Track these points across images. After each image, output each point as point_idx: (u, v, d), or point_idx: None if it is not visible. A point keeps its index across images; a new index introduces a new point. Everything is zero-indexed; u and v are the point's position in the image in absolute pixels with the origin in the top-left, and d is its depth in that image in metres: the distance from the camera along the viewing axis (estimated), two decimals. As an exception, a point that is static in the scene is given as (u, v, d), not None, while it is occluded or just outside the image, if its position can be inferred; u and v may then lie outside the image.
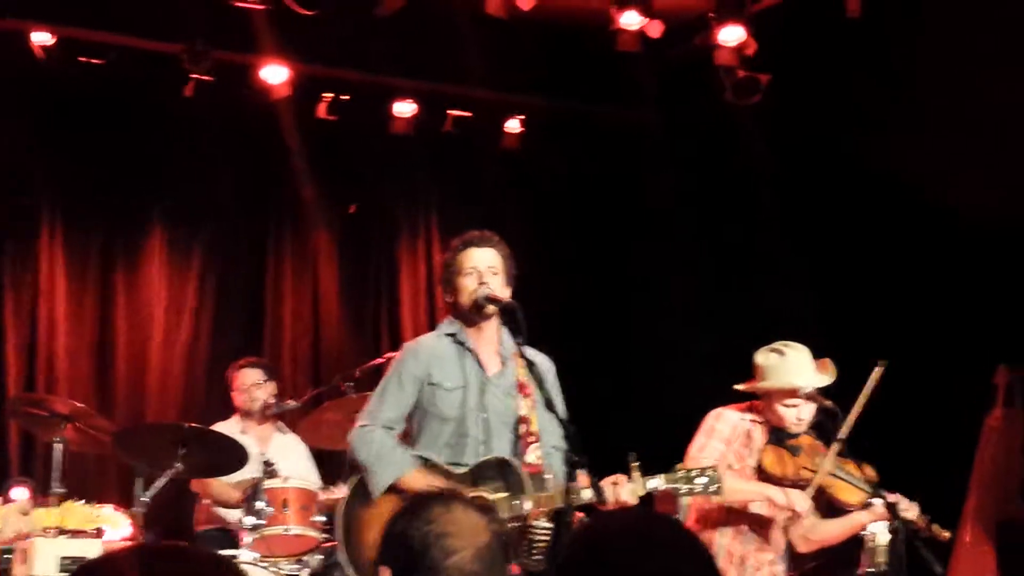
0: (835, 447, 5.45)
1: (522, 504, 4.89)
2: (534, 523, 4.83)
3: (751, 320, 8.29)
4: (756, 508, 5.55)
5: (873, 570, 5.33)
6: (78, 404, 6.93)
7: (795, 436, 5.57)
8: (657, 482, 4.93)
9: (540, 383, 4.88)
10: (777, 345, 5.58)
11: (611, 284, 9.98)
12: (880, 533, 5.37)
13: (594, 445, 4.64)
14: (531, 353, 5.15)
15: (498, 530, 2.74)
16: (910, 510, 5.41)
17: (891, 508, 5.24)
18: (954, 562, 7.88)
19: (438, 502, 2.76)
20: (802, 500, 5.42)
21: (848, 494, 5.52)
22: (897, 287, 8.50)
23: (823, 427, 5.57)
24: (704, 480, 4.95)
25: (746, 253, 9.42)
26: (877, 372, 5.49)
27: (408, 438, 5.17)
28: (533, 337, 5.00)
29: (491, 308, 5.08)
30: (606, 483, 4.74)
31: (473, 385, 5.11)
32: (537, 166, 9.92)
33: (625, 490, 4.77)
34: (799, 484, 5.47)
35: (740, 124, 9.18)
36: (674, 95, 9.46)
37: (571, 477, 4.47)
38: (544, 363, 5.24)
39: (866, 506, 5.50)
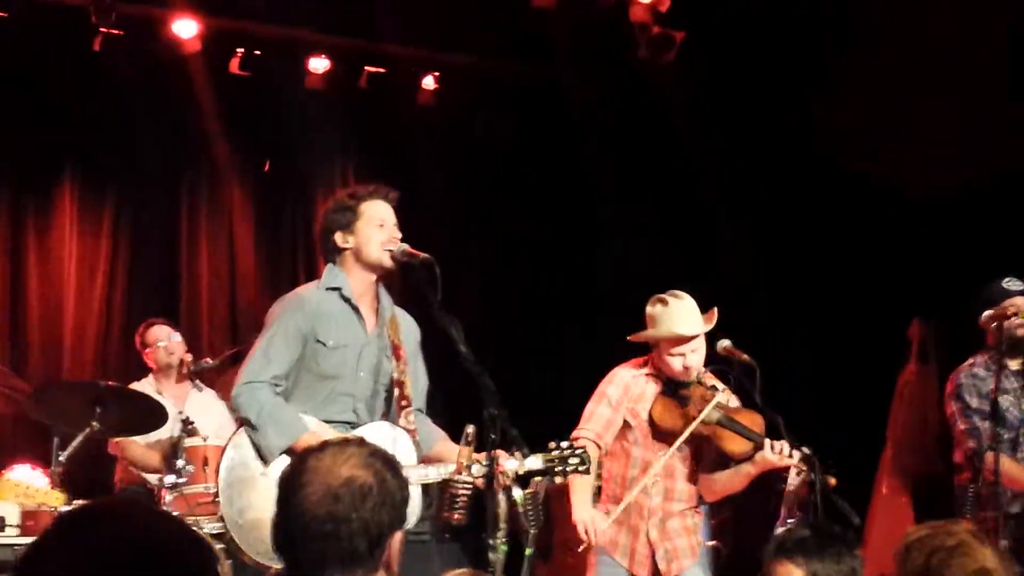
0: (716, 399, 5.52)
1: (429, 473, 4.89)
2: (456, 477, 4.81)
3: (674, 272, 8.36)
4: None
5: (792, 521, 5.41)
6: (-8, 363, 6.84)
7: (687, 386, 5.62)
8: (535, 462, 4.95)
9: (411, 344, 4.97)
10: (663, 295, 5.63)
11: (527, 239, 9.99)
12: (799, 488, 5.45)
13: (517, 406, 4.64)
14: (400, 315, 5.15)
15: (377, 471, 2.65)
16: (794, 456, 5.44)
17: (808, 461, 5.31)
18: (871, 514, 8.02)
19: (317, 448, 2.71)
20: (600, 528, 5.45)
21: (733, 444, 5.55)
22: (813, 243, 8.61)
23: (738, 381, 5.62)
24: (575, 460, 5.01)
25: (668, 207, 9.49)
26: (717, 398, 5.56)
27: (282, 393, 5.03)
28: (445, 297, 4.80)
29: (397, 264, 4.98)
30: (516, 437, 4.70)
31: (355, 344, 5.03)
32: (453, 123, 9.89)
33: (507, 468, 4.76)
34: (690, 435, 5.53)
35: (656, 81, 9.22)
36: (591, 52, 9.47)
37: (491, 431, 4.47)
38: (412, 326, 5.22)
39: (751, 456, 5.53)
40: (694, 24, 8.94)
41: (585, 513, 5.48)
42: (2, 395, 6.73)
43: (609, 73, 9.55)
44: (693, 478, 5.72)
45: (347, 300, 5.04)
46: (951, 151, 7.75)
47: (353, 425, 4.97)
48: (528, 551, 5.25)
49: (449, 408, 5.44)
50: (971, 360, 6.38)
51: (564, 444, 5.11)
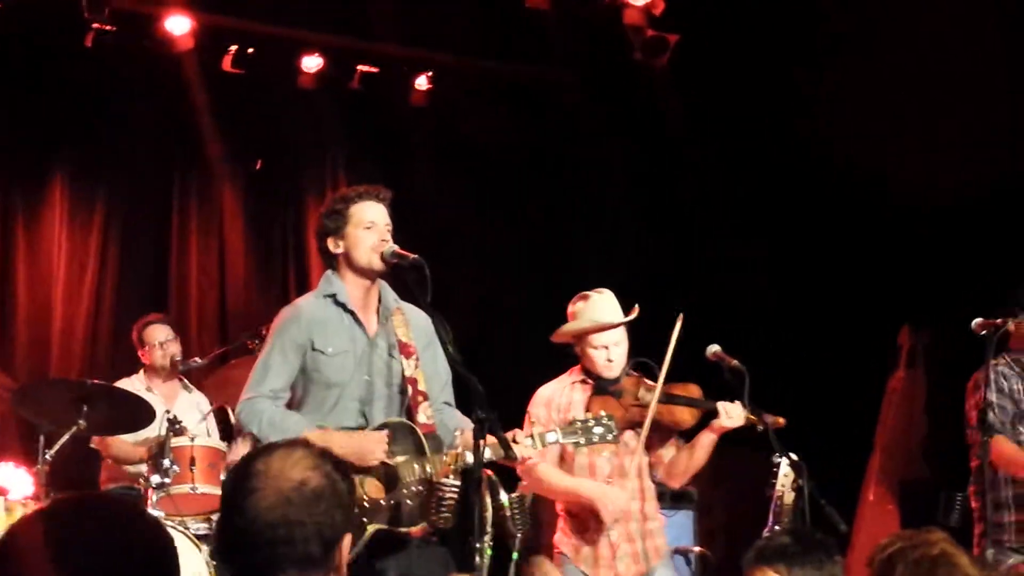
0: (660, 382, 5.52)
1: (425, 467, 4.88)
2: (442, 480, 4.81)
3: (664, 273, 8.36)
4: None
5: (779, 528, 5.39)
6: (-23, 360, 6.83)
7: (616, 381, 5.65)
8: (555, 435, 4.98)
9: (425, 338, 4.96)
10: (584, 292, 5.73)
11: (522, 241, 9.96)
12: (786, 492, 5.45)
13: (515, 400, 4.65)
14: (409, 309, 5.12)
15: (327, 473, 2.59)
16: (739, 415, 5.49)
17: (796, 467, 5.32)
18: (858, 520, 8.02)
19: (263, 451, 2.66)
20: (617, 497, 5.47)
21: (682, 414, 5.61)
22: (803, 249, 8.61)
23: (730, 386, 5.61)
24: (601, 429, 5.00)
25: (660, 208, 9.49)
26: (678, 323, 5.58)
27: (292, 405, 5.03)
28: (440, 297, 4.84)
29: (387, 265, 4.94)
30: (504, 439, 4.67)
31: (355, 349, 5.00)
32: (446, 123, 9.87)
33: (522, 445, 4.77)
34: (634, 424, 5.55)
35: (652, 83, 9.22)
36: (585, 53, 9.45)
37: (479, 435, 4.48)
38: (422, 319, 5.16)
39: (705, 422, 5.58)
40: (689, 25, 8.94)
41: (595, 487, 5.49)
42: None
43: (602, 73, 9.54)
44: (647, 471, 5.72)
45: (342, 305, 5.02)
46: (948, 156, 7.76)
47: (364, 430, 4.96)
48: (515, 555, 5.25)
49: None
50: (994, 360, 6.34)
51: (587, 416, 5.11)
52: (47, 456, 6.09)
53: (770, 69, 8.51)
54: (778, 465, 5.49)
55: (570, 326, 5.70)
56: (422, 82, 9.71)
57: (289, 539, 2.52)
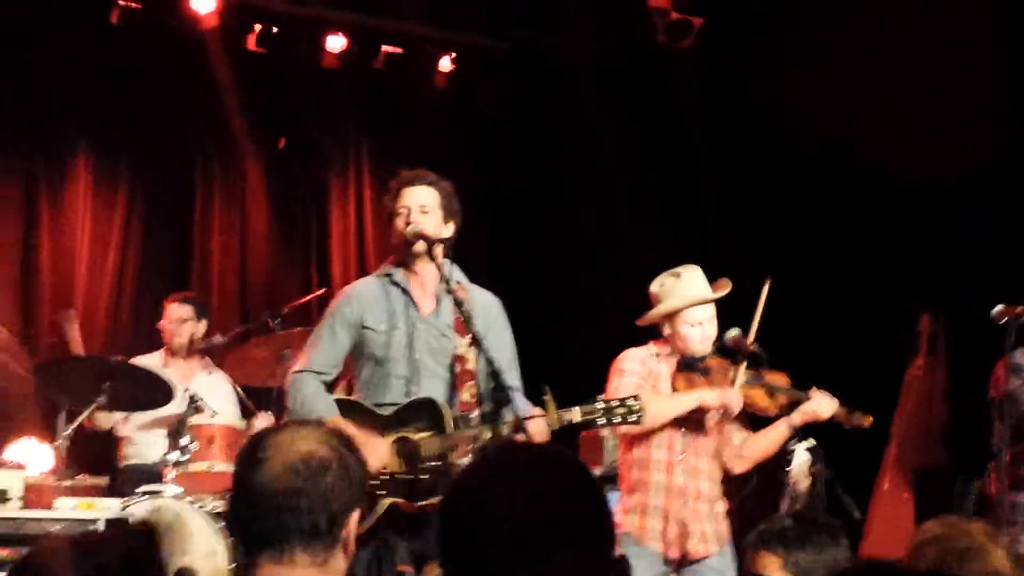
0: (744, 358, 5.52)
1: (446, 445, 4.91)
2: (456, 462, 4.84)
3: (681, 253, 8.35)
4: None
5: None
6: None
7: (703, 359, 5.58)
8: (573, 415, 4.91)
9: (470, 320, 4.90)
10: (670, 271, 5.63)
11: (544, 221, 9.94)
12: (801, 480, 5.44)
13: (529, 377, 4.69)
14: (473, 290, 5.22)
15: (335, 447, 2.65)
16: (831, 405, 5.52)
17: (813, 453, 5.32)
18: (873, 508, 7.99)
19: (275, 428, 2.74)
20: (734, 396, 5.46)
21: (765, 400, 5.56)
22: (824, 238, 8.58)
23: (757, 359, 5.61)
24: (623, 410, 4.95)
25: (678, 192, 9.47)
26: (766, 287, 5.57)
27: (351, 381, 5.27)
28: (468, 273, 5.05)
29: (420, 245, 5.06)
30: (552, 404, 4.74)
31: (403, 326, 5.12)
32: (469, 105, 9.86)
33: (538, 424, 4.75)
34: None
35: (674, 65, 9.21)
36: (609, 35, 9.43)
37: (503, 403, 4.61)
38: (485, 300, 5.27)
39: (787, 412, 5.56)
40: (715, 8, 8.92)
41: (712, 393, 5.46)
42: (12, 374, 6.76)
43: (625, 56, 9.52)
44: (716, 453, 5.67)
45: (397, 284, 5.16)
46: (959, 141, 7.71)
47: None
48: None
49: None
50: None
51: (611, 399, 5.09)
52: (67, 432, 6.13)
53: (791, 54, 8.47)
54: (793, 451, 5.49)
55: (664, 306, 5.56)
56: (446, 63, 9.69)
57: (295, 508, 2.57)
